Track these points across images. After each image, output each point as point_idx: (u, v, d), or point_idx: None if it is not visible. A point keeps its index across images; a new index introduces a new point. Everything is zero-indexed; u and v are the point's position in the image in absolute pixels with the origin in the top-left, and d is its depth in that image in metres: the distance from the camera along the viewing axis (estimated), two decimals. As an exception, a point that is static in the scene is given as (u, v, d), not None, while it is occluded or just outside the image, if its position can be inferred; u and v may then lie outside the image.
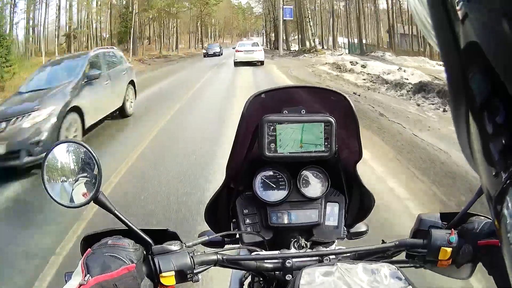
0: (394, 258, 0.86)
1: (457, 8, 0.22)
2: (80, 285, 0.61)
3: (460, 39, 0.23)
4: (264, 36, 62.55)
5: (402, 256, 0.87)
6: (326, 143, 0.91)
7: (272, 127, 0.90)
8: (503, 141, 0.23)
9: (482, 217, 0.81)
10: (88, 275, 0.62)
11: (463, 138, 0.26)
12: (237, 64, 19.35)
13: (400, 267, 0.71)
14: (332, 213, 0.99)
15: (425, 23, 0.29)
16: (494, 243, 0.73)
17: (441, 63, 0.26)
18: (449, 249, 0.78)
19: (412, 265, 0.85)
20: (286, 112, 0.92)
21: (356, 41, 36.40)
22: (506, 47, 0.20)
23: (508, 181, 0.22)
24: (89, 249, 0.70)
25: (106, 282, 0.62)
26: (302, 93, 0.95)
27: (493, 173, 0.23)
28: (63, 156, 0.75)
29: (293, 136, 0.91)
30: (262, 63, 19.37)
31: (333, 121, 0.91)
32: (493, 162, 0.23)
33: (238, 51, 20.09)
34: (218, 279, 2.15)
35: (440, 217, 0.85)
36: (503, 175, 0.23)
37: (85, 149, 0.74)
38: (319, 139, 0.91)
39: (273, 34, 50.48)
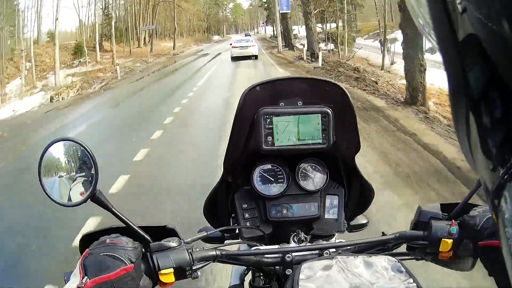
0: (394, 251, 0.85)
1: (457, 1, 0.22)
2: (78, 287, 0.60)
3: (458, 31, 0.23)
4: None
5: (403, 248, 0.86)
6: (323, 135, 0.90)
7: (268, 120, 0.89)
8: (501, 135, 0.22)
9: (483, 208, 0.79)
10: (86, 277, 0.62)
11: (462, 132, 0.25)
12: (234, 59, 20.41)
13: (401, 259, 0.70)
14: (332, 206, 0.98)
15: (423, 18, 0.29)
16: (495, 244, 0.71)
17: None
18: (450, 241, 0.77)
19: (413, 257, 0.84)
20: (283, 104, 0.91)
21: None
22: (504, 39, 0.19)
23: (506, 176, 0.22)
24: (87, 249, 0.69)
25: (104, 283, 0.62)
26: (298, 85, 0.93)
27: (491, 167, 0.23)
28: (60, 154, 0.75)
29: (290, 129, 0.90)
30: (256, 57, 20.34)
31: (330, 112, 0.89)
32: (491, 156, 0.23)
33: (234, 47, 21.19)
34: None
35: (440, 208, 0.83)
36: (500, 169, 0.22)
37: (81, 147, 0.73)
38: (316, 130, 0.90)
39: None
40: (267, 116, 0.89)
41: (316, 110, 0.90)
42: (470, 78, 0.23)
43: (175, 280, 0.73)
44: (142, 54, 28.75)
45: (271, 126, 0.89)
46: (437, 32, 0.25)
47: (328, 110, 0.90)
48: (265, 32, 59.27)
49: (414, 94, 7.36)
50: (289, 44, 26.95)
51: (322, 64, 15.09)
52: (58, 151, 0.74)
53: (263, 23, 65.01)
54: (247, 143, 0.94)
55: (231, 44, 22.75)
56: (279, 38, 27.10)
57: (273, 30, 51.46)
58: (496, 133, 0.23)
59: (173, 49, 36.89)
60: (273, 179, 0.97)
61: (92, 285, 0.61)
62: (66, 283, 0.64)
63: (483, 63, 0.22)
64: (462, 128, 0.25)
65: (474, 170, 0.26)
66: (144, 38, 34.87)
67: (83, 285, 0.60)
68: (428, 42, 0.29)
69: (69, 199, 0.73)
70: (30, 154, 6.06)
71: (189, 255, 0.73)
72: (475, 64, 0.23)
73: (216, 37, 66.52)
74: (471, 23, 0.21)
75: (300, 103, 0.91)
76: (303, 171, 0.98)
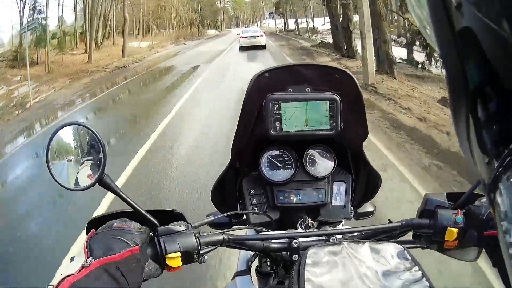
0: (400, 238, 0.85)
1: None
2: (83, 267, 0.60)
3: (455, 26, 0.23)
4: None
5: (408, 236, 0.86)
6: (331, 121, 0.90)
7: (276, 106, 0.89)
8: (496, 129, 0.23)
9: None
10: (91, 257, 0.61)
11: (462, 129, 0.25)
12: (242, 48, 20.55)
13: (407, 247, 0.70)
14: (339, 193, 0.99)
15: (420, 14, 0.29)
16: None
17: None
18: (455, 230, 0.77)
19: (418, 245, 0.84)
20: (291, 90, 0.91)
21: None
22: (499, 34, 0.19)
23: (500, 169, 0.22)
24: (92, 230, 0.69)
25: (108, 264, 0.61)
26: (307, 71, 0.93)
27: (486, 161, 0.23)
28: (68, 138, 0.75)
29: (298, 115, 0.90)
30: (264, 47, 20.50)
31: (338, 99, 0.89)
32: (486, 150, 0.24)
33: (243, 37, 21.22)
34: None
35: (446, 197, 0.83)
36: (495, 162, 0.23)
37: (90, 131, 0.73)
38: (324, 117, 0.90)
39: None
40: (276, 102, 0.89)
41: (324, 96, 0.90)
42: (469, 76, 0.23)
43: (182, 264, 0.73)
44: (77, 67, 17.19)
45: (279, 111, 0.89)
46: (436, 32, 0.25)
47: (336, 97, 0.89)
48: (275, 25, 48.44)
49: None
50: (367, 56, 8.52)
51: None
52: (67, 135, 0.75)
53: (269, 13, 59.78)
54: (255, 128, 0.94)
55: (238, 34, 23.07)
56: (370, 45, 8.48)
57: (284, 22, 44.64)
58: (491, 127, 0.23)
59: (122, 56, 21.13)
60: (280, 165, 0.98)
61: (97, 265, 0.60)
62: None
63: (481, 61, 0.22)
64: (461, 126, 0.25)
65: (473, 165, 0.26)
66: (96, 38, 22.44)
67: (87, 265, 0.60)
68: None
69: (77, 183, 0.73)
70: None
71: (196, 239, 0.73)
72: (473, 62, 0.23)
73: (211, 32, 52.22)
74: (467, 19, 0.22)
75: (308, 90, 0.91)
76: (311, 157, 0.98)
